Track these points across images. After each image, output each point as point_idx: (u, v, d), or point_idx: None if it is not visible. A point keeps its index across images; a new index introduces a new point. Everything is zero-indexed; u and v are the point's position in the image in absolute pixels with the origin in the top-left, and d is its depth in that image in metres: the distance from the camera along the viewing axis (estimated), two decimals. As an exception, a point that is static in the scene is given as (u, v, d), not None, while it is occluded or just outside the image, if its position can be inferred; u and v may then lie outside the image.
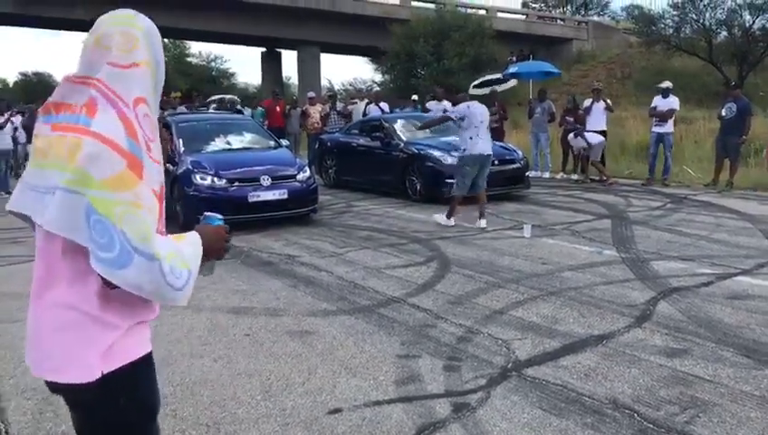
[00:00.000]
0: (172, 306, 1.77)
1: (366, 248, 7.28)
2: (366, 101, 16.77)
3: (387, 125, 12.14)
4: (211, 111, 16.14)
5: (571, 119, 13.66)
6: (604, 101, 13.30)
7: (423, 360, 4.07)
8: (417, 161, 10.91)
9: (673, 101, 12.21)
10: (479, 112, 8.46)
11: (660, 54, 26.22)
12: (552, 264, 6.37)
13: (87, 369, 1.62)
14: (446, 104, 15.36)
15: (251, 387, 3.72)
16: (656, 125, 12.36)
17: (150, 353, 1.78)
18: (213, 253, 1.76)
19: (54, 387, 1.71)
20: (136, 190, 1.56)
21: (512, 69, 16.32)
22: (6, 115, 12.84)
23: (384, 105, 16.17)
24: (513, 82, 16.67)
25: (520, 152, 11.60)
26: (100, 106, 1.63)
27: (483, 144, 8.42)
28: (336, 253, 7.09)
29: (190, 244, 1.69)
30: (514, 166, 11.11)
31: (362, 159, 12.31)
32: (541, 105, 14.31)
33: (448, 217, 8.50)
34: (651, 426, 3.17)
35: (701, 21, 24.98)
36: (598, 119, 13.14)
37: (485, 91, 16.02)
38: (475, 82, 16.92)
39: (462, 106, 8.56)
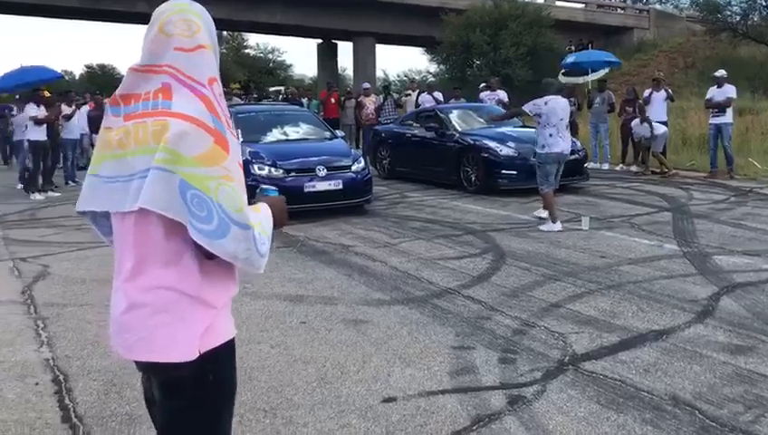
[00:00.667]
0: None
1: (420, 239, 7.28)
2: (418, 90, 16.71)
3: (442, 115, 12.06)
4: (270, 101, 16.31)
5: (631, 109, 13.38)
6: (665, 90, 12.93)
7: (478, 351, 4.05)
8: (473, 152, 10.76)
9: (729, 90, 11.76)
10: (560, 108, 7.70)
11: (726, 43, 25.36)
12: (610, 257, 6.25)
13: (187, 348, 1.70)
14: (501, 94, 15.25)
15: (307, 374, 3.77)
16: (713, 116, 11.95)
17: (234, 338, 1.86)
18: (279, 222, 1.85)
19: (148, 367, 1.79)
20: (225, 164, 1.65)
21: (570, 59, 15.96)
22: (74, 107, 13.18)
23: (438, 95, 16.09)
24: (604, 71, 15.53)
25: (578, 143, 11.20)
26: (174, 89, 1.70)
27: (562, 143, 7.73)
28: (390, 243, 7.11)
29: (265, 212, 1.80)
30: (573, 157, 10.64)
31: (417, 150, 12.22)
32: (600, 95, 14.00)
33: (553, 221, 7.61)
34: (714, 424, 3.09)
35: (770, 7, 24.04)
36: (658, 109, 12.79)
37: (578, 80, 15.22)
38: (565, 70, 16.11)
39: (539, 102, 7.73)
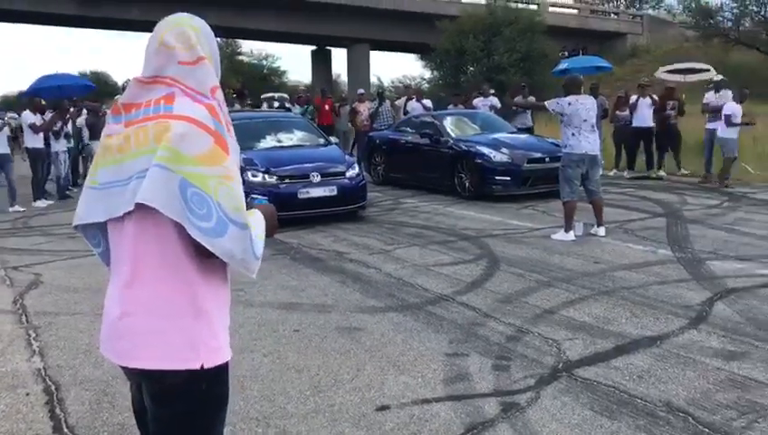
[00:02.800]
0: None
1: (414, 246, 7.28)
2: (405, 97, 16.71)
3: (436, 122, 12.11)
4: (264, 108, 16.31)
5: (624, 112, 13.49)
6: (650, 96, 13.03)
7: (471, 358, 4.05)
8: (466, 158, 10.80)
9: (725, 96, 11.81)
10: (584, 109, 7.35)
11: (718, 48, 25.54)
12: (604, 263, 6.26)
13: (182, 356, 1.70)
14: (493, 100, 15.32)
15: (300, 382, 3.76)
16: (709, 121, 11.99)
17: None
18: (269, 230, 1.88)
19: (141, 374, 1.77)
20: (225, 164, 1.67)
21: (562, 65, 16.02)
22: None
23: (426, 102, 16.15)
24: (711, 74, 14.55)
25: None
26: (177, 96, 1.73)
27: (587, 143, 7.34)
28: (384, 250, 7.10)
29: (258, 219, 1.82)
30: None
31: (411, 156, 12.24)
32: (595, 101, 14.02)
33: (567, 230, 7.39)
34: (707, 430, 3.09)
35: (762, 13, 24.21)
36: (644, 114, 12.90)
37: (677, 78, 14.71)
38: (669, 68, 15.68)
39: (563, 102, 7.41)
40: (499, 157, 10.45)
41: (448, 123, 12.04)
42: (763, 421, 3.15)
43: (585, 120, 7.32)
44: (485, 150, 10.59)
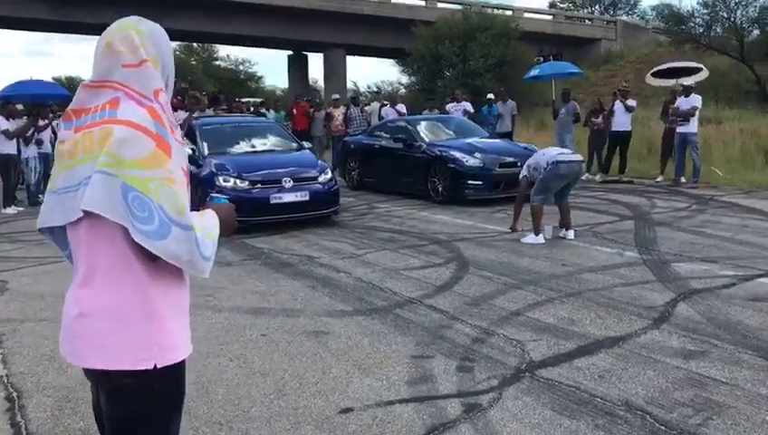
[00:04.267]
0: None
1: (386, 250, 7.31)
2: (380, 103, 16.78)
3: (410, 127, 12.21)
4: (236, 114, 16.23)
5: (598, 120, 13.68)
6: (622, 101, 13.27)
7: (436, 360, 4.08)
8: (439, 163, 10.88)
9: (694, 100, 12.01)
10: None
11: (690, 53, 25.86)
12: (571, 265, 6.33)
13: (135, 356, 1.71)
14: (466, 105, 15.48)
15: (265, 386, 3.76)
16: (679, 125, 12.18)
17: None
18: (227, 229, 1.92)
19: (96, 374, 1.79)
20: (168, 167, 1.69)
21: (533, 72, 16.19)
22: (47, 121, 12.77)
23: (401, 107, 16.23)
24: (704, 74, 14.47)
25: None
26: (122, 100, 1.75)
27: (572, 152, 7.69)
28: (356, 254, 7.12)
29: (211, 218, 1.85)
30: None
31: (385, 161, 12.28)
32: (566, 106, 14.20)
33: (536, 233, 7.45)
34: (663, 428, 3.15)
35: (732, 19, 24.67)
36: (621, 119, 13.20)
37: (670, 83, 14.36)
38: (658, 69, 15.48)
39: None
40: (471, 161, 10.56)
41: (422, 128, 12.17)
42: (718, 418, 3.22)
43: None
44: (458, 155, 10.70)
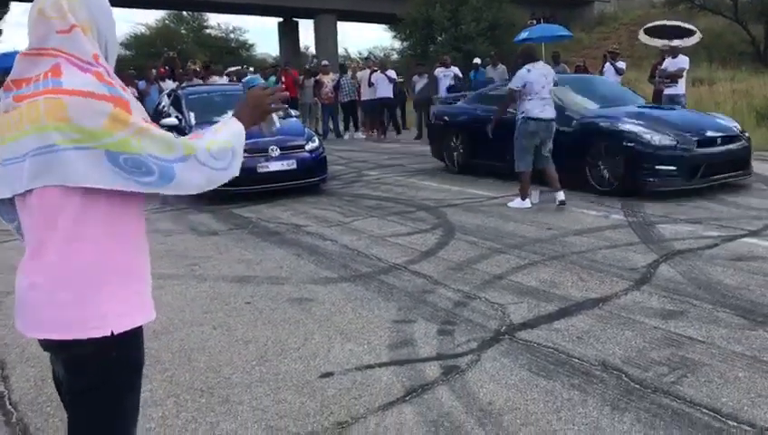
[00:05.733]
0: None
1: (373, 217, 7.31)
2: (369, 70, 16.59)
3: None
4: (224, 81, 16.11)
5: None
6: (611, 63, 13.23)
7: (418, 324, 4.11)
8: (606, 141, 8.03)
9: (681, 61, 11.94)
10: (542, 74, 7.35)
11: (684, 14, 25.62)
12: (557, 229, 6.36)
13: (88, 324, 1.71)
14: (455, 69, 15.41)
15: (247, 353, 3.80)
16: (666, 87, 12.11)
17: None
18: (261, 111, 1.96)
19: (50, 345, 1.79)
20: (133, 121, 1.69)
21: (523, 34, 16.08)
22: None
23: (391, 73, 16.13)
24: (696, 38, 14.10)
25: (737, 124, 8.92)
26: (64, 67, 1.72)
27: (543, 110, 7.29)
28: (342, 222, 7.13)
29: (224, 127, 1.87)
30: (730, 145, 8.12)
31: (509, 139, 8.26)
32: (555, 68, 14.11)
33: (523, 198, 7.38)
34: (638, 387, 3.19)
35: (725, -22, 24.36)
36: (611, 80, 13.16)
37: (657, 43, 13.97)
38: (650, 25, 14.79)
39: (522, 71, 7.35)
40: (659, 138, 7.71)
41: (566, 94, 8.95)
42: (692, 376, 3.26)
43: (543, 87, 7.32)
44: (638, 129, 7.86)
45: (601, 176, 8.04)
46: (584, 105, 8.78)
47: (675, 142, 7.71)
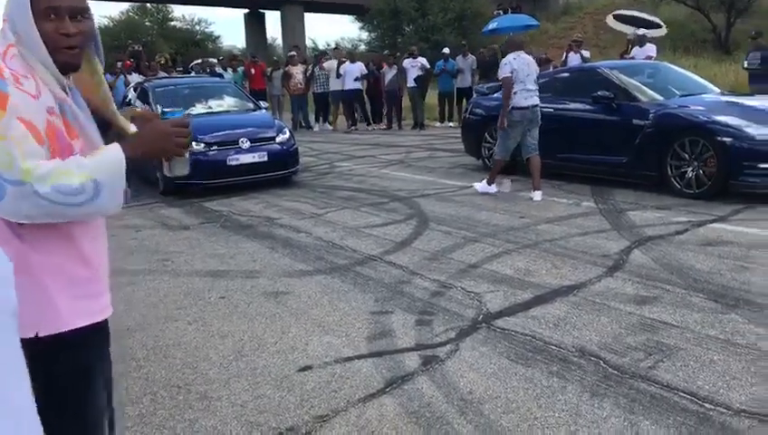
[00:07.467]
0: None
1: (346, 208, 7.28)
2: (338, 61, 16.50)
3: (614, 78, 8.11)
4: (192, 74, 15.93)
5: (548, 71, 13.84)
6: (577, 52, 13.37)
7: (396, 315, 4.10)
8: (694, 135, 6.95)
9: (649, 50, 12.11)
10: (527, 63, 7.39)
11: (648, 3, 25.93)
12: (529, 217, 6.39)
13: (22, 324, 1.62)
14: (422, 60, 15.44)
15: (224, 348, 3.75)
16: None
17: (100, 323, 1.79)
18: (160, 149, 1.75)
19: None
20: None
21: (491, 24, 16.16)
22: None
23: (359, 64, 16.09)
24: (663, 31, 14.29)
25: None
26: None
27: (530, 98, 7.27)
28: (316, 214, 7.09)
29: (99, 154, 1.65)
30: None
31: (562, 133, 8.15)
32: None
33: (489, 183, 7.46)
34: (615, 372, 3.22)
35: (688, -32, 24.68)
36: None
37: (627, 30, 14.04)
38: (619, 12, 14.99)
39: (509, 59, 7.37)
40: (759, 132, 6.64)
41: (635, 81, 8.10)
42: (668, 360, 3.30)
43: (528, 76, 7.34)
44: (732, 122, 6.79)
45: (684, 175, 7.03)
46: (654, 95, 7.80)
47: None
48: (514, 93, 7.26)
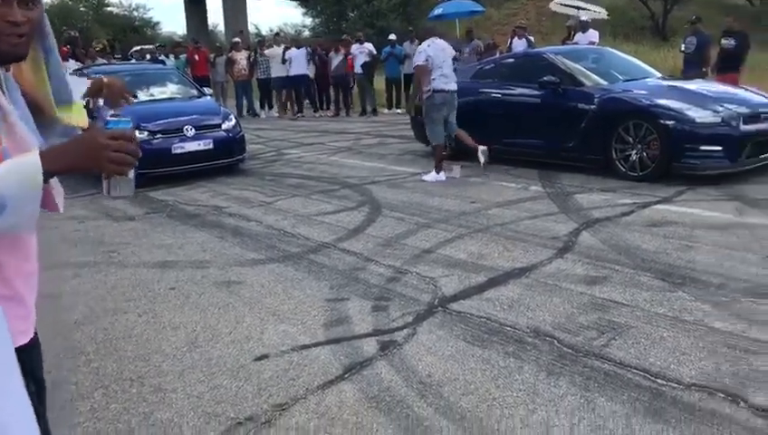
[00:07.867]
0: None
1: (297, 196, 7.21)
2: (283, 46, 16.29)
3: (559, 63, 8.17)
4: (133, 61, 15.50)
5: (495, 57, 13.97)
6: (523, 37, 13.51)
7: (352, 302, 4.09)
8: (638, 119, 7.02)
9: (592, 35, 12.34)
10: (441, 49, 7.61)
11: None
12: (480, 202, 6.45)
13: None
14: (369, 46, 15.43)
15: (176, 340, 3.67)
16: None
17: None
18: (86, 167, 1.41)
19: None
20: None
21: (436, 10, 16.21)
22: None
23: (304, 50, 15.97)
24: (603, 14, 14.72)
25: None
26: None
27: (446, 82, 7.56)
28: (265, 202, 7.00)
29: (10, 164, 1.36)
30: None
31: (515, 120, 8.26)
32: (469, 45, 14.28)
33: (438, 171, 7.57)
34: (570, 351, 3.28)
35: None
36: None
37: (569, 12, 14.36)
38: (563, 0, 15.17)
39: (423, 46, 7.64)
40: (703, 115, 6.74)
41: (579, 66, 8.22)
42: (620, 338, 3.38)
43: (444, 61, 7.60)
44: (676, 105, 6.88)
45: (628, 158, 7.11)
46: (599, 80, 7.88)
47: (720, 119, 6.74)
48: (433, 79, 7.52)
